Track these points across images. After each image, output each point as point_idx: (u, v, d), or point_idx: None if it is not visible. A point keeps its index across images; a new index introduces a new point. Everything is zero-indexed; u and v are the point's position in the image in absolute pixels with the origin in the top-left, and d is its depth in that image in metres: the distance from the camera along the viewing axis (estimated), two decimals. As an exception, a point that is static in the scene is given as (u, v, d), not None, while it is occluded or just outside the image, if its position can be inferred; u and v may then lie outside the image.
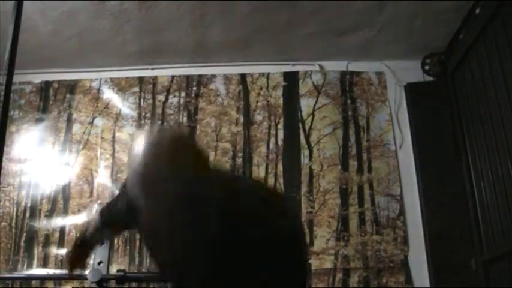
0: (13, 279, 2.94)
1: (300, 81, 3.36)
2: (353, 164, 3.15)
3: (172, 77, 3.41)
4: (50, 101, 3.41)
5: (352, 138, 3.22)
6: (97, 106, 3.38)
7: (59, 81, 3.44)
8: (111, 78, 3.43)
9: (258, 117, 3.29)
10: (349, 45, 3.24)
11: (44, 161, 3.25)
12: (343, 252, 2.95)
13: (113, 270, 2.83)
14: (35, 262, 3.01)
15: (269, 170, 3.16)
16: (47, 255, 3.02)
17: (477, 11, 2.79)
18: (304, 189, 3.09)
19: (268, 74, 3.37)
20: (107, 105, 3.38)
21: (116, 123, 3.33)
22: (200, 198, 0.90)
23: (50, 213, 3.12)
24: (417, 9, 2.89)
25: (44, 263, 3.00)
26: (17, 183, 3.20)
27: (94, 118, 3.35)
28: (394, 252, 2.94)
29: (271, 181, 3.10)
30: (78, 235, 1.22)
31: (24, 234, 3.07)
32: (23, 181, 3.20)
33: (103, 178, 3.19)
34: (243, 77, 3.38)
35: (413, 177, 3.09)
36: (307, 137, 3.22)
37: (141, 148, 1.01)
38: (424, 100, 3.23)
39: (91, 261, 2.89)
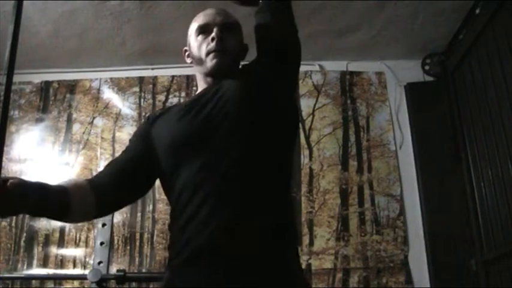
0: (13, 279, 2.93)
1: (300, 81, 3.35)
2: (353, 164, 3.15)
3: (172, 77, 3.41)
4: (50, 101, 3.41)
5: (352, 138, 3.22)
6: (97, 106, 3.38)
7: (59, 81, 3.44)
8: (111, 78, 3.43)
9: (258, 117, 3.28)
10: (349, 45, 3.24)
11: (44, 161, 3.25)
12: (343, 252, 2.95)
13: (113, 270, 2.82)
14: (35, 262, 3.01)
15: (269, 170, 3.15)
16: (47, 255, 3.02)
17: (477, 11, 2.79)
18: (304, 189, 3.09)
19: (268, 74, 3.36)
20: (107, 105, 3.38)
21: (116, 123, 3.33)
22: None
23: (50, 213, 3.12)
24: (417, 9, 2.88)
25: (44, 263, 3.00)
26: (17, 183, 3.19)
27: (94, 118, 3.35)
28: (394, 252, 2.94)
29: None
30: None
31: (24, 234, 3.07)
32: (23, 181, 3.20)
33: (103, 178, 3.19)
34: (243, 76, 3.37)
35: (413, 177, 3.09)
36: (307, 137, 3.22)
37: None
38: (424, 100, 3.23)
39: (91, 261, 2.91)
